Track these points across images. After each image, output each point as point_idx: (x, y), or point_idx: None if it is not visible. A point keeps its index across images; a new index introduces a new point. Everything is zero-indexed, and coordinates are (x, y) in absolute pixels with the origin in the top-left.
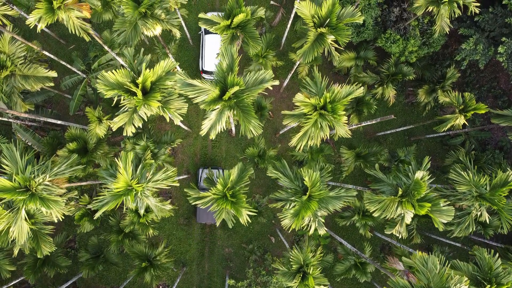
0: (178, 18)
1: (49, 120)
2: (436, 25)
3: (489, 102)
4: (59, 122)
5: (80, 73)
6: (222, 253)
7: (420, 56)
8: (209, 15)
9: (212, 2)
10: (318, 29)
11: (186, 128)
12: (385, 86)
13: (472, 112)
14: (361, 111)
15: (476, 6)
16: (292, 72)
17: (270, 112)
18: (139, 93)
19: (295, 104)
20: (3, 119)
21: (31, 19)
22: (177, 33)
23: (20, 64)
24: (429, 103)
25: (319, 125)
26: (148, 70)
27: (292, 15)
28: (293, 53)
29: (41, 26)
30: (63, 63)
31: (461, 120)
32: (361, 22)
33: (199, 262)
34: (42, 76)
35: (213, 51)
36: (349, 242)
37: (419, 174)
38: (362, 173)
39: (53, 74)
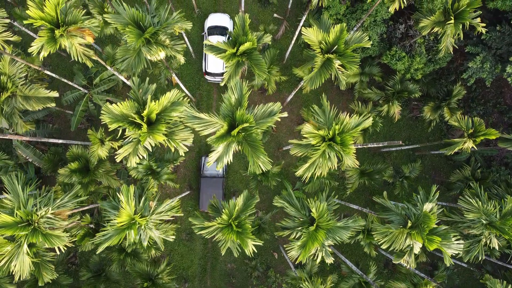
0: (183, 43)
1: (51, 140)
2: (441, 44)
3: (494, 117)
4: (60, 141)
5: (81, 88)
6: (224, 269)
7: (426, 73)
8: (213, 17)
9: (214, 4)
10: (326, 55)
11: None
12: (390, 104)
13: (482, 138)
14: (367, 129)
15: (484, 23)
16: (296, 90)
17: (273, 127)
18: (144, 126)
19: (302, 134)
20: (4, 137)
21: (33, 48)
22: (181, 59)
23: (21, 85)
24: (434, 119)
25: (327, 156)
26: (153, 102)
27: (297, 32)
28: (297, 68)
29: (43, 54)
30: (65, 80)
31: (469, 144)
32: (369, 46)
33: (201, 278)
34: (43, 97)
35: None
36: (353, 257)
37: (427, 207)
38: (366, 189)
39: (54, 94)
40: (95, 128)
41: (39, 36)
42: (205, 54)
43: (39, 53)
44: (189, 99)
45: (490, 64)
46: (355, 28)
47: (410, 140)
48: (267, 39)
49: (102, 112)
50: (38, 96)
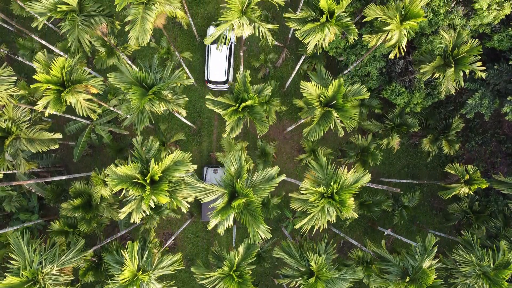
0: (185, 97)
1: (54, 178)
2: (442, 87)
3: (493, 146)
4: (64, 177)
5: (83, 120)
6: None
7: (425, 106)
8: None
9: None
10: (325, 108)
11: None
12: (390, 137)
13: (476, 187)
14: (366, 161)
15: (482, 60)
16: (297, 124)
17: (274, 154)
18: (148, 188)
19: (301, 190)
20: (8, 172)
21: (39, 105)
22: (183, 113)
23: (25, 128)
24: (433, 150)
25: (326, 211)
26: (156, 163)
27: (299, 63)
28: (297, 98)
29: (49, 111)
30: (68, 116)
31: (465, 190)
32: (367, 97)
33: None
34: (47, 139)
35: (218, 62)
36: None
37: (426, 264)
38: (365, 216)
39: (58, 136)
40: (97, 154)
41: (45, 95)
42: (207, 63)
43: (45, 107)
44: (191, 164)
45: (489, 100)
46: (354, 64)
47: (409, 167)
48: (268, 91)
49: (107, 175)
50: (42, 138)
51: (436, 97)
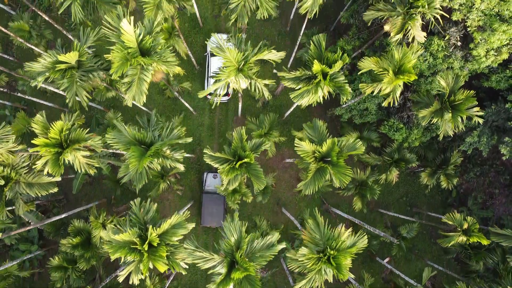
0: (183, 151)
1: (54, 219)
2: (440, 129)
3: (491, 177)
4: (63, 215)
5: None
6: None
7: (423, 141)
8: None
9: (217, 25)
10: (319, 163)
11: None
12: (388, 172)
13: (476, 239)
14: (364, 195)
15: (480, 97)
16: (295, 160)
17: (273, 184)
18: (146, 256)
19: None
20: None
21: (38, 165)
22: (181, 167)
23: (24, 173)
24: (431, 183)
25: (323, 272)
26: (154, 228)
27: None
28: (296, 131)
29: (47, 171)
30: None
31: (463, 239)
32: (362, 152)
33: None
34: (46, 183)
35: None
36: None
37: None
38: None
39: (57, 178)
40: (96, 183)
41: (43, 156)
42: (207, 76)
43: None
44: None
45: (487, 137)
46: (352, 101)
47: (407, 196)
48: (266, 146)
49: (105, 244)
50: (41, 182)
51: (433, 131)
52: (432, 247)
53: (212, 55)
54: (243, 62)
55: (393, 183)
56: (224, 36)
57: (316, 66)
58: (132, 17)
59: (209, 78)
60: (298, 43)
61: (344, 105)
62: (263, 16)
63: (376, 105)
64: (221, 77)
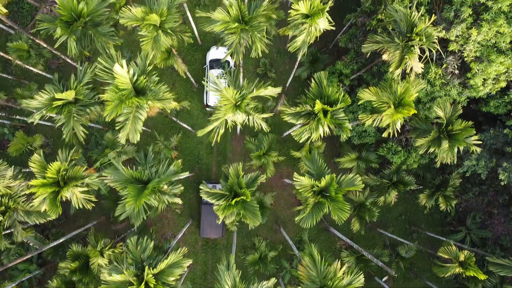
0: (180, 186)
1: (52, 244)
2: (438, 158)
3: (490, 196)
4: (61, 240)
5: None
6: None
7: (422, 164)
8: (215, 50)
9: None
10: (317, 197)
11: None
12: (387, 194)
13: (472, 273)
14: (363, 218)
15: (479, 121)
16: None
17: (272, 202)
18: None
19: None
20: (8, 231)
21: (35, 202)
22: (179, 201)
23: (22, 202)
24: (430, 204)
25: None
26: (151, 269)
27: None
28: (295, 149)
29: (45, 208)
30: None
31: (459, 270)
32: (361, 189)
33: None
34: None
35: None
36: None
37: None
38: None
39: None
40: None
41: (40, 194)
42: (206, 88)
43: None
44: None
45: (485, 161)
46: (351, 124)
47: (406, 214)
48: (262, 179)
49: (101, 283)
50: (39, 209)
51: (433, 153)
52: (431, 266)
53: (211, 67)
54: (240, 100)
55: (392, 204)
56: (224, 49)
57: (318, 106)
58: (124, 61)
59: (208, 93)
60: (297, 62)
61: None
62: (257, 54)
63: (375, 127)
64: (218, 116)
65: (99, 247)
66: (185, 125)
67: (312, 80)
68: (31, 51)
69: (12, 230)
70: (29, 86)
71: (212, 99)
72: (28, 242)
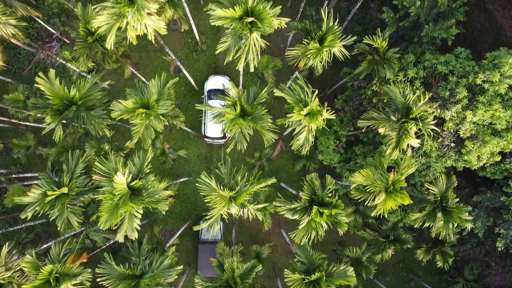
0: (175, 275)
1: None
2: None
3: (487, 245)
4: None
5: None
6: None
7: None
8: (213, 80)
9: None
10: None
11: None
12: (384, 252)
13: None
14: (359, 274)
15: (476, 182)
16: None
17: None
18: None
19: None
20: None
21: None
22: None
23: (17, 277)
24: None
25: None
26: None
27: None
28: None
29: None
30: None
31: None
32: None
33: None
34: None
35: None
36: None
37: None
38: None
39: None
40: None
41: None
42: (205, 119)
43: None
44: None
45: (482, 221)
46: (346, 183)
47: (403, 262)
48: (258, 268)
49: None
50: None
51: None
52: None
53: (209, 98)
54: (234, 195)
55: (389, 258)
56: (221, 78)
57: (314, 210)
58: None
59: (206, 124)
60: None
61: (340, 183)
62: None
63: None
64: (212, 214)
65: None
66: (182, 180)
67: (305, 182)
68: (27, 101)
69: None
70: (25, 136)
71: (210, 130)
72: None
